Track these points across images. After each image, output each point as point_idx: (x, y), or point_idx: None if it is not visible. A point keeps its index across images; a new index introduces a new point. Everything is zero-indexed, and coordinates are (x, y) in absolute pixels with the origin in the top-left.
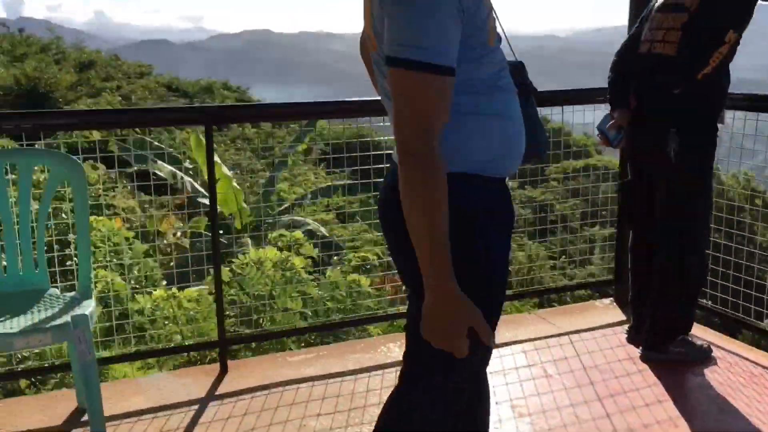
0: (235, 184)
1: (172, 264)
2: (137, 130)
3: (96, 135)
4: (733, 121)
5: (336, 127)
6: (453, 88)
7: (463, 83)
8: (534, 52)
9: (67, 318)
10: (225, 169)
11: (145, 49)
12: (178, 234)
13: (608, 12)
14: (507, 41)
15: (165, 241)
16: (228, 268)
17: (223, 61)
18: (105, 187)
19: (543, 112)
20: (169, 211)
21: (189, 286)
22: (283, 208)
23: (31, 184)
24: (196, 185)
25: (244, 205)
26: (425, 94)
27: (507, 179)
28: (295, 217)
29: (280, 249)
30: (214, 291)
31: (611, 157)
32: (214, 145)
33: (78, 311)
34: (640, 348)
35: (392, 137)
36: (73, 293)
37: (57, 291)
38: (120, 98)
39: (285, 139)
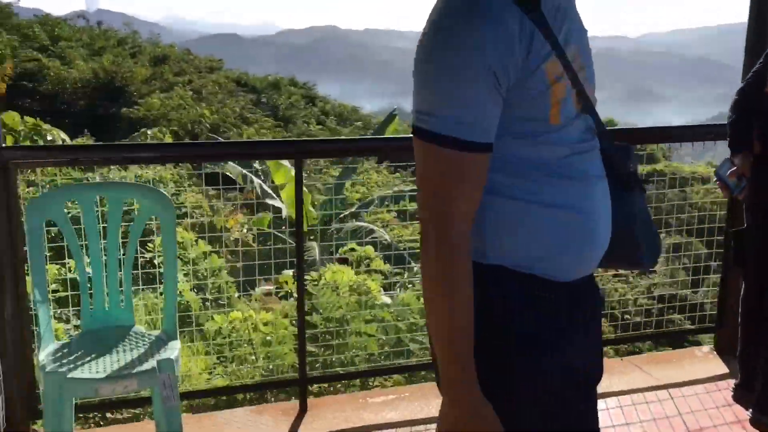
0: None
1: (238, 265)
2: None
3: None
4: None
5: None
6: (485, 168)
7: (510, 163)
8: (605, 53)
9: (153, 362)
10: (293, 172)
11: (216, 43)
12: (244, 230)
13: (683, 13)
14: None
15: (231, 238)
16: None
17: (290, 56)
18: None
19: (609, 111)
20: (236, 208)
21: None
22: (348, 212)
23: (121, 218)
24: (265, 187)
25: (311, 208)
26: (442, 171)
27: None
28: (361, 223)
29: (351, 264)
30: (291, 316)
31: (681, 164)
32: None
33: (164, 354)
34: (750, 410)
35: None
36: (158, 332)
37: (142, 329)
38: (191, 92)
39: (348, 136)
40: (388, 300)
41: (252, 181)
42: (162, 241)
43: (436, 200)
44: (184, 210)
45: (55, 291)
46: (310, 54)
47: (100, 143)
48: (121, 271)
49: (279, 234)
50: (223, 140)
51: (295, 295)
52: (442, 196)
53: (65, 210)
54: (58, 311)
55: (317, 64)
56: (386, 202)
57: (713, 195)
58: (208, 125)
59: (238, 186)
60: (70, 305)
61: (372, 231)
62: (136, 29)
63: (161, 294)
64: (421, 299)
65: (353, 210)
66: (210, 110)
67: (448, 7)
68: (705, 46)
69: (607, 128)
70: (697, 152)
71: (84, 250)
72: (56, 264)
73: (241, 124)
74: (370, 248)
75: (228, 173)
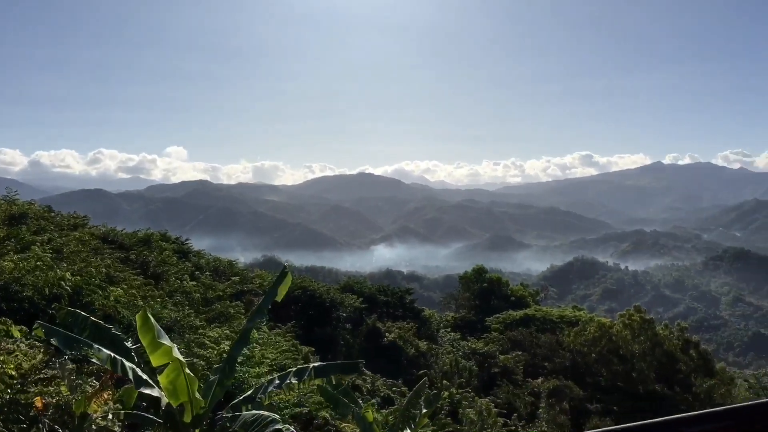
0: (188, 370)
1: None
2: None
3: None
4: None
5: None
6: None
7: None
8: (467, 204)
9: None
10: (176, 352)
11: (82, 198)
12: (110, 416)
13: (534, 171)
14: None
15: (94, 427)
16: None
17: (161, 210)
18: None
19: (477, 258)
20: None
21: None
22: (243, 397)
23: None
24: (140, 372)
25: (198, 395)
26: None
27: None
28: (260, 411)
29: None
30: None
31: (550, 308)
32: (149, 300)
33: None
34: None
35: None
36: None
37: None
38: (51, 252)
39: (226, 291)
40: None
41: (123, 366)
42: None
43: None
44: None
45: None
46: (181, 208)
47: None
48: None
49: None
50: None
51: None
52: None
53: None
54: None
55: (189, 218)
56: (289, 381)
57: (583, 337)
58: (68, 288)
59: (103, 373)
60: None
61: (273, 422)
62: None
63: None
64: None
65: (250, 393)
66: (72, 271)
67: None
68: (553, 197)
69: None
70: (560, 296)
71: None
72: None
73: (108, 285)
74: None
75: (94, 359)
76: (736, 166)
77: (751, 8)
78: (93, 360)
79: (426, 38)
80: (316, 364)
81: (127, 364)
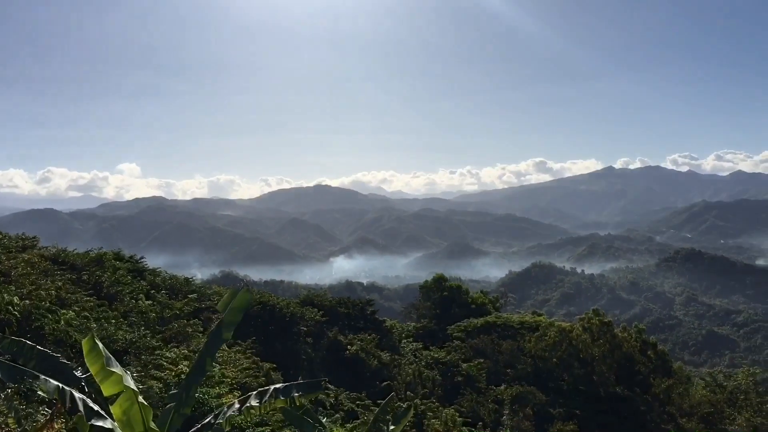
0: (142, 399)
1: None
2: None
3: None
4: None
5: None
6: None
7: None
8: (425, 213)
9: None
10: (129, 380)
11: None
12: None
13: (490, 178)
14: None
15: None
16: None
17: (114, 229)
18: None
19: (436, 266)
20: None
21: None
22: (202, 423)
23: None
24: (90, 403)
25: (154, 425)
26: None
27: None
28: None
29: None
30: None
31: (510, 315)
32: (103, 322)
33: None
34: None
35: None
36: None
37: None
38: None
39: (183, 310)
40: None
41: (72, 397)
42: None
43: None
44: None
45: None
46: (136, 225)
47: None
48: None
49: None
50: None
51: None
52: None
53: None
54: None
55: (144, 236)
56: (249, 404)
57: (543, 342)
58: (17, 313)
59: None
60: None
61: None
62: None
63: None
64: None
65: (210, 419)
66: (20, 295)
67: None
68: (510, 204)
69: None
70: (519, 301)
71: None
72: None
73: (58, 309)
74: None
75: (40, 391)
76: (685, 169)
77: (697, 13)
78: (39, 393)
79: (377, 49)
80: (277, 385)
81: (77, 395)
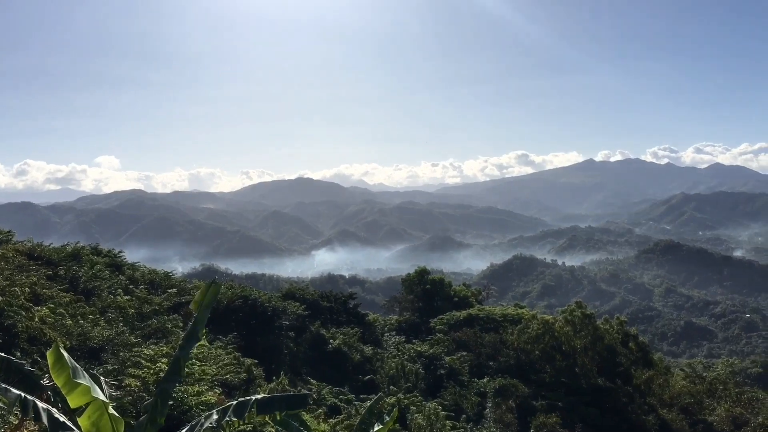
0: (112, 410)
1: None
2: None
3: None
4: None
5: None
6: None
7: None
8: (406, 206)
9: None
10: (98, 391)
11: (6, 212)
12: None
13: (472, 171)
14: None
15: None
16: None
17: (92, 223)
18: None
19: (418, 259)
20: None
21: None
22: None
23: None
24: (56, 414)
25: None
26: None
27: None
28: None
29: None
30: None
31: (492, 307)
32: (78, 320)
33: None
34: None
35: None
36: None
37: None
38: None
39: (162, 305)
40: None
41: (35, 407)
42: None
43: None
44: None
45: None
46: (115, 219)
47: None
48: None
49: None
50: None
51: None
52: None
53: None
54: None
55: (123, 229)
56: (228, 418)
57: (526, 335)
58: None
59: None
60: None
61: None
62: None
63: None
64: None
65: (186, 430)
66: None
67: None
68: (491, 197)
69: None
70: (501, 293)
71: None
72: None
73: (32, 306)
74: None
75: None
76: (664, 161)
77: (677, 7)
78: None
79: (359, 41)
80: (258, 396)
81: (41, 405)
